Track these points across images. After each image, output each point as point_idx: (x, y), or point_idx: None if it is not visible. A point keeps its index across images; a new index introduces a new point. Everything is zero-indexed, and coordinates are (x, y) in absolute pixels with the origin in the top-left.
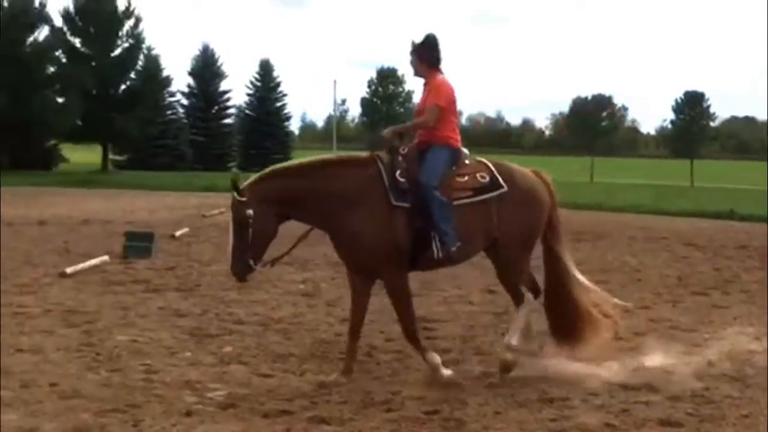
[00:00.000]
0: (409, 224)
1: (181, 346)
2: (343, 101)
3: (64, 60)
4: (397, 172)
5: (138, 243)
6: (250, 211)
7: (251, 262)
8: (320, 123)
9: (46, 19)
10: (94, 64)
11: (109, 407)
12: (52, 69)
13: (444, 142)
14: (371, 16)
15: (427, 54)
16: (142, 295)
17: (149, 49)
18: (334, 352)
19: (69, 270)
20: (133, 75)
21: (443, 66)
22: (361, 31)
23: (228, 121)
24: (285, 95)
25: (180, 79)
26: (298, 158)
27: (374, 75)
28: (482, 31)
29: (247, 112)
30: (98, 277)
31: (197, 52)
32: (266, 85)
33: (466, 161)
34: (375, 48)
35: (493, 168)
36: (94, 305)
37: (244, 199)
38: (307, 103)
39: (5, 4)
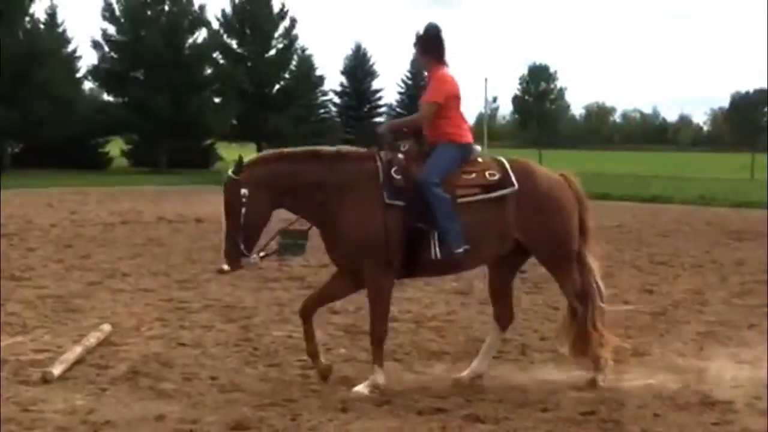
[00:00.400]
0: (403, 224)
1: (335, 342)
2: (494, 99)
3: (221, 61)
4: (393, 169)
5: (292, 240)
6: (245, 191)
7: (242, 247)
8: (471, 121)
9: (205, 22)
10: (249, 64)
11: (268, 401)
12: (209, 70)
13: (448, 139)
14: (523, 11)
15: (428, 46)
16: (297, 291)
17: (303, 49)
18: None
19: (226, 267)
20: (287, 75)
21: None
22: (513, 28)
23: (379, 119)
24: None
25: (333, 79)
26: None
27: (526, 72)
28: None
29: (398, 110)
30: (254, 273)
31: (350, 52)
32: (417, 83)
33: (478, 159)
34: (527, 45)
35: (507, 165)
36: (251, 301)
37: (239, 178)
38: None
39: (166, 8)
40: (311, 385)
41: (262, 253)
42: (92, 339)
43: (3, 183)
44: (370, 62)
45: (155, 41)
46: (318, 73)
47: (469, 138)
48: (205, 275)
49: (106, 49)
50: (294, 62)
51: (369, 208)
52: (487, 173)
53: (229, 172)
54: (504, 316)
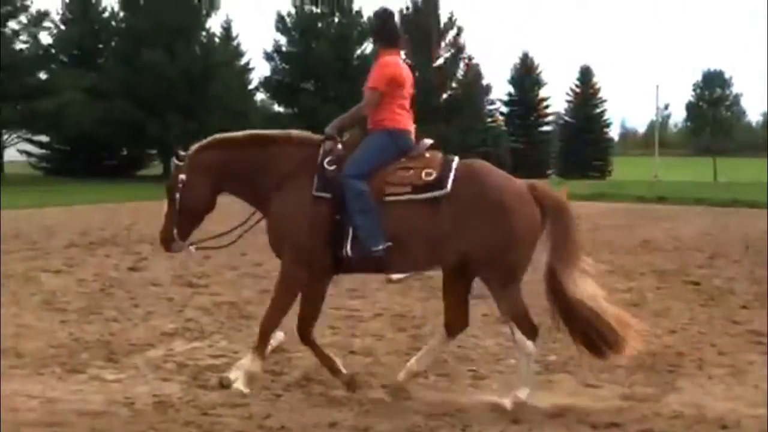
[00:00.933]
0: (329, 217)
1: (506, 353)
2: (666, 106)
3: None
4: (327, 160)
5: None
6: (182, 176)
7: (175, 232)
8: (641, 129)
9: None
10: (416, 74)
11: (439, 411)
12: None
13: (380, 127)
14: (695, 17)
15: (377, 31)
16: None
17: (470, 58)
18: (662, 363)
19: (394, 276)
20: (454, 84)
21: None
22: (686, 34)
23: (547, 128)
24: (604, 101)
25: (500, 87)
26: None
27: (700, 78)
28: None
29: (566, 118)
30: (422, 283)
31: (517, 61)
32: (586, 91)
33: (426, 154)
34: (700, 50)
35: (454, 165)
36: (420, 311)
37: (181, 163)
38: (627, 109)
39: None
40: (481, 395)
41: (192, 248)
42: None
43: None
44: (538, 70)
45: (325, 53)
46: (485, 82)
47: (402, 124)
48: (375, 284)
49: (278, 61)
50: (461, 71)
51: (297, 198)
52: (424, 172)
53: (174, 158)
54: (454, 323)
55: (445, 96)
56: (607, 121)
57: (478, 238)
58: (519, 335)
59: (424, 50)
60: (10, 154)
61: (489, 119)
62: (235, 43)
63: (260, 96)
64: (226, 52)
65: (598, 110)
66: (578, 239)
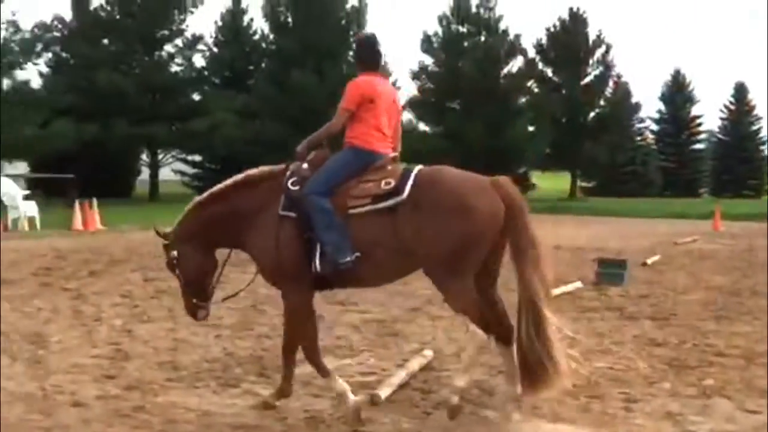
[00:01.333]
0: (298, 236)
1: (659, 376)
2: None
3: (535, 89)
4: (291, 181)
5: (611, 270)
6: (174, 253)
7: (194, 300)
8: None
9: (520, 51)
10: (564, 92)
11: None
12: (523, 99)
13: (348, 145)
14: None
15: (357, 54)
16: (616, 322)
17: (618, 75)
18: None
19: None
20: (602, 102)
21: None
22: None
23: (699, 146)
24: (760, 118)
25: (650, 105)
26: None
27: None
28: None
29: (719, 136)
30: (572, 302)
31: (668, 77)
32: (740, 108)
33: (388, 167)
34: None
35: (413, 173)
36: (570, 331)
37: (167, 242)
38: None
39: (482, 39)
40: (635, 419)
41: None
42: (415, 364)
43: None
44: (690, 87)
45: (471, 71)
46: (634, 99)
47: (372, 145)
48: None
49: (424, 80)
50: (609, 89)
51: (267, 223)
52: (383, 182)
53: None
54: (499, 332)
55: (592, 114)
56: (762, 139)
57: (439, 239)
58: (472, 326)
59: (572, 68)
60: (165, 173)
61: (638, 137)
62: (381, 62)
63: (406, 115)
64: None
65: (753, 128)
66: (535, 238)
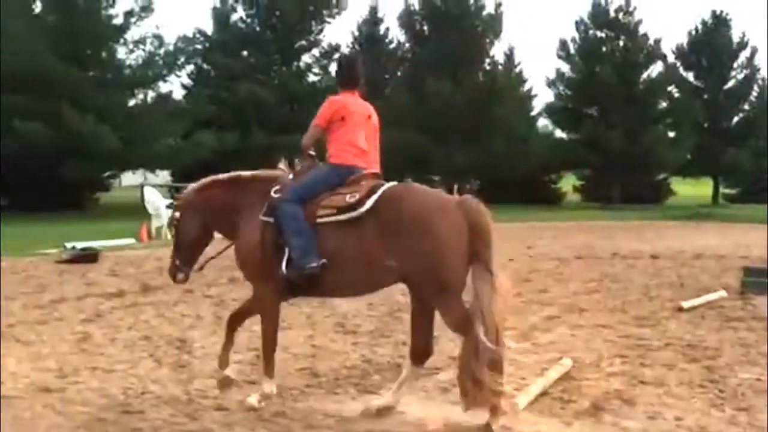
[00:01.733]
0: (274, 241)
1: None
2: None
3: (676, 94)
4: (274, 189)
5: (756, 279)
6: (177, 214)
7: (177, 262)
8: None
9: (661, 56)
10: (706, 96)
11: None
12: (664, 104)
13: (328, 161)
14: None
15: (336, 72)
16: (762, 332)
17: (764, 79)
18: None
19: (685, 304)
20: (746, 107)
21: None
22: None
23: None
24: None
25: None
26: None
27: None
28: None
29: None
30: (715, 312)
31: None
32: None
33: (363, 181)
34: None
35: (381, 189)
36: (714, 341)
37: (177, 203)
38: None
39: (621, 43)
40: None
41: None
42: (554, 373)
43: None
44: None
45: (609, 77)
46: None
47: (346, 160)
48: (664, 312)
49: (561, 87)
50: (755, 93)
51: (251, 225)
52: (349, 195)
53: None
54: (418, 349)
55: (736, 119)
56: None
57: (403, 254)
58: (481, 335)
59: (715, 72)
60: None
61: None
62: (517, 70)
63: (542, 122)
64: (509, 79)
65: None
66: (494, 263)
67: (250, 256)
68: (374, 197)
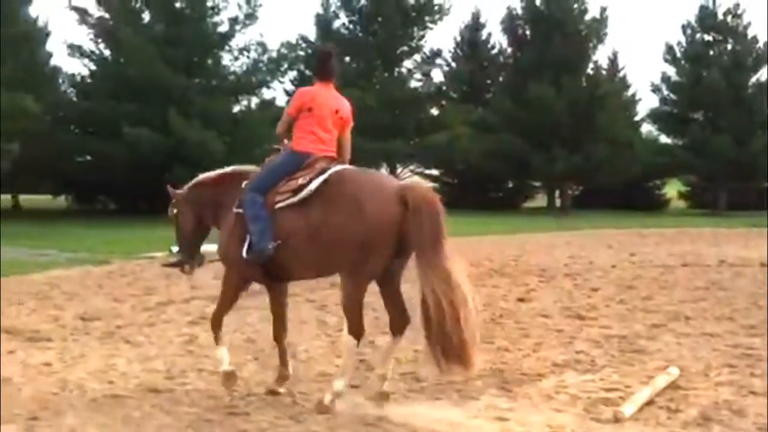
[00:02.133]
0: (243, 231)
1: None
2: None
3: None
4: (245, 182)
5: None
6: (173, 210)
7: (176, 251)
8: None
9: None
10: None
11: None
12: None
13: (289, 148)
14: None
15: (315, 66)
16: None
17: None
18: None
19: None
20: None
21: None
22: None
23: None
24: None
25: None
26: None
27: None
28: None
29: None
30: None
31: None
32: None
33: (316, 165)
34: None
35: (329, 171)
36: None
37: (174, 199)
38: None
39: (728, 47)
40: None
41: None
42: (661, 381)
43: (565, 225)
44: None
45: (717, 81)
46: None
47: (305, 147)
48: None
49: (666, 91)
50: None
51: (228, 218)
52: (301, 178)
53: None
54: (395, 321)
55: None
56: None
57: (338, 236)
58: (345, 330)
59: None
60: None
61: None
62: (621, 74)
63: (647, 127)
64: (613, 84)
65: None
66: (441, 233)
67: (228, 247)
68: (320, 179)
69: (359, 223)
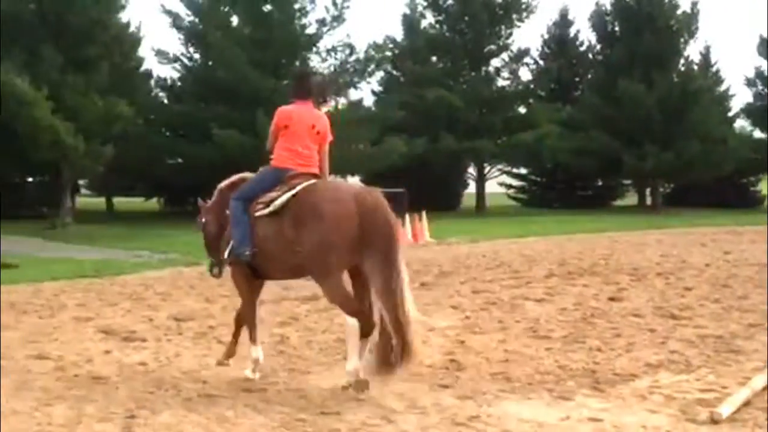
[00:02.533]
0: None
1: None
2: None
3: None
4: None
5: None
6: (201, 220)
7: (207, 254)
8: None
9: None
10: None
11: None
12: None
13: (271, 163)
14: None
15: (292, 86)
16: None
17: None
18: None
19: None
20: None
21: None
22: None
23: None
24: None
25: None
26: None
27: None
28: None
29: None
30: None
31: None
32: None
33: (295, 180)
34: None
35: (300, 186)
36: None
37: (201, 207)
38: None
39: None
40: None
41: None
42: (759, 382)
43: (656, 223)
44: None
45: None
46: None
47: (281, 163)
48: None
49: (760, 86)
50: None
51: (225, 221)
52: (275, 192)
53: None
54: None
55: None
56: None
57: (304, 242)
58: (345, 317)
59: None
60: (491, 186)
61: None
62: (714, 69)
63: (741, 122)
64: (706, 79)
65: None
66: (393, 244)
67: (224, 246)
68: (289, 193)
69: (319, 223)
